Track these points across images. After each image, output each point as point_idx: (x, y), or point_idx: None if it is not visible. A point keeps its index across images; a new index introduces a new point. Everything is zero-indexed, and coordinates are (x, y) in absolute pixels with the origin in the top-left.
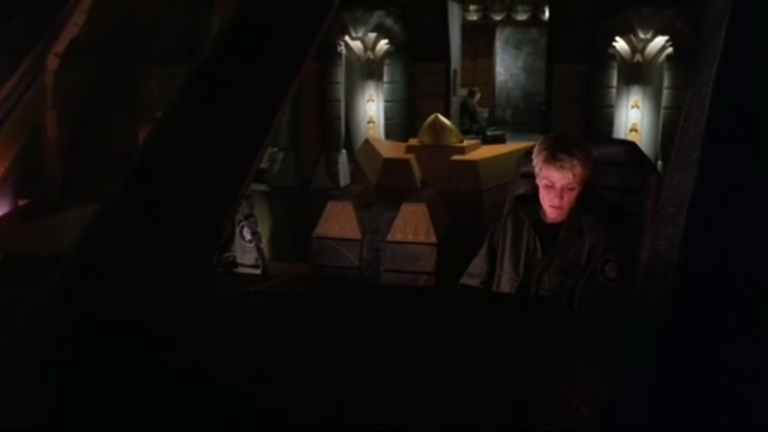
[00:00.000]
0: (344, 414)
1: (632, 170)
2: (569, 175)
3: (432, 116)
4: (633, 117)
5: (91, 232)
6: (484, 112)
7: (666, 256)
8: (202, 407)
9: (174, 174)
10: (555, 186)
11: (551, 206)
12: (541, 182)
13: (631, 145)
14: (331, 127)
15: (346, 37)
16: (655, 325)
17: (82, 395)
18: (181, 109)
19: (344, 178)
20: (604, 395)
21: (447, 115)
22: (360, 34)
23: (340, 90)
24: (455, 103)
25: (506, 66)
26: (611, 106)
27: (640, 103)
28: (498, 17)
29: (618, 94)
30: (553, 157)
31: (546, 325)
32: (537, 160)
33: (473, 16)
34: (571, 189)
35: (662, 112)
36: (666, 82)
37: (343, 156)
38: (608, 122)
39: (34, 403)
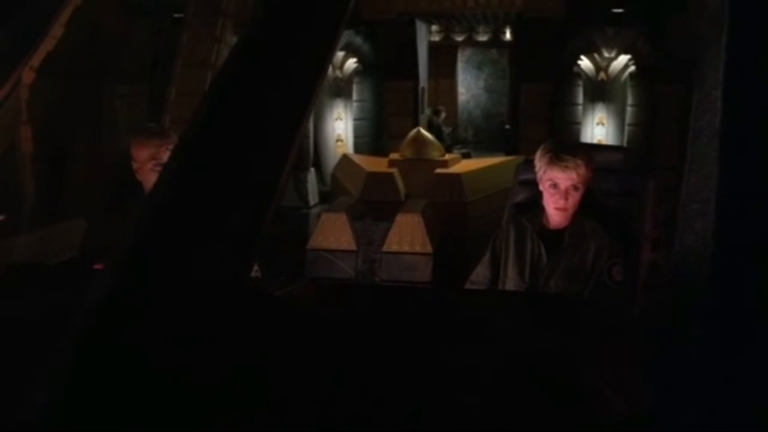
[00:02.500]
0: (381, 409)
1: (631, 175)
2: (574, 174)
3: (414, 130)
4: (598, 133)
5: (136, 237)
6: (448, 132)
7: (698, 249)
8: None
9: (211, 178)
10: (560, 187)
11: (556, 208)
12: (545, 185)
13: (628, 151)
14: (299, 146)
15: None
16: (699, 317)
17: (139, 392)
18: (209, 114)
19: (313, 197)
20: (639, 390)
21: None
22: None
23: None
24: (423, 121)
25: (468, 86)
26: (577, 123)
27: (605, 120)
28: (459, 38)
29: (583, 111)
30: (557, 158)
31: (567, 321)
32: (541, 163)
33: (435, 37)
34: (576, 189)
35: (626, 128)
36: (630, 100)
37: (311, 174)
38: (574, 139)
39: (98, 402)
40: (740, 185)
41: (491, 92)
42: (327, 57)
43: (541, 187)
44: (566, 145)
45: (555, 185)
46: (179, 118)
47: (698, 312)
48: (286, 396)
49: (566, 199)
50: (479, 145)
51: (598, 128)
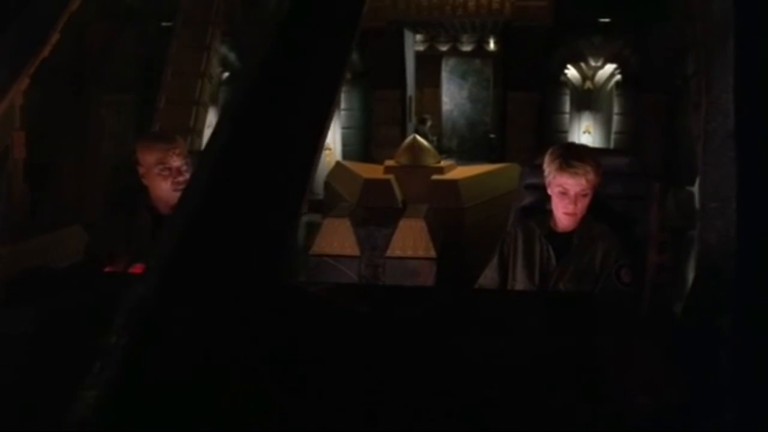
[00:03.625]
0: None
1: (636, 179)
2: (583, 181)
3: (410, 137)
4: (585, 142)
5: (175, 238)
6: (434, 141)
7: (721, 247)
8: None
9: (243, 182)
10: (569, 193)
11: (565, 213)
12: (554, 191)
13: (633, 156)
14: None
15: None
16: (727, 314)
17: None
18: (236, 122)
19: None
20: (663, 387)
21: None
22: None
23: None
24: (410, 129)
25: (451, 96)
26: (564, 132)
27: (591, 129)
28: (444, 48)
29: (570, 119)
30: (566, 164)
31: (587, 319)
32: (549, 169)
33: (420, 47)
34: (585, 195)
35: (613, 137)
36: (616, 108)
37: None
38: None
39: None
40: (758, 183)
41: (475, 102)
42: (344, 63)
43: (549, 192)
44: (574, 150)
45: (564, 191)
46: (169, 127)
47: (726, 309)
48: (321, 392)
49: (575, 204)
50: (463, 154)
51: (584, 137)
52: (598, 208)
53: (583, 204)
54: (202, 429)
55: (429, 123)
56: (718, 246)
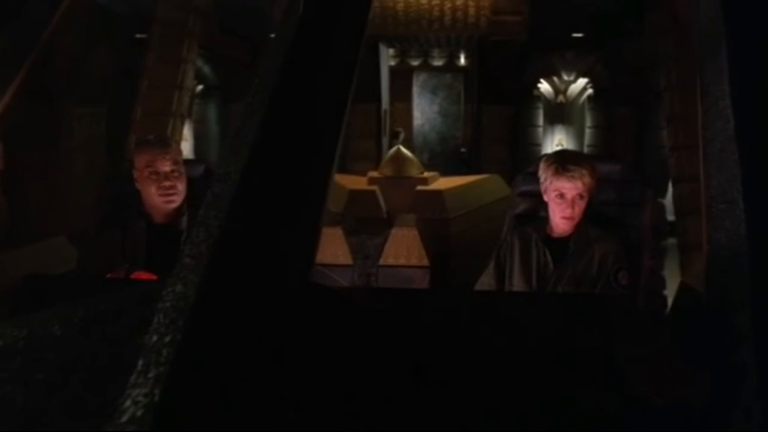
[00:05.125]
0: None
1: (630, 186)
2: (579, 184)
3: (394, 148)
4: None
5: (212, 237)
6: None
7: (732, 246)
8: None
9: (270, 188)
10: (566, 196)
11: (563, 218)
12: (551, 195)
13: (626, 163)
14: None
15: None
16: (746, 311)
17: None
18: (261, 132)
19: None
20: (688, 388)
21: (378, 155)
22: None
23: None
24: (385, 143)
25: (422, 110)
26: (537, 145)
27: (564, 141)
28: (415, 62)
29: (543, 132)
30: (563, 168)
31: (598, 321)
32: (546, 175)
33: (391, 62)
34: (582, 198)
35: (585, 149)
36: (588, 122)
37: None
38: (535, 160)
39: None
40: (762, 184)
41: (446, 116)
42: (354, 72)
43: (546, 198)
44: (569, 155)
45: (562, 195)
46: None
47: (744, 307)
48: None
49: (573, 208)
50: (435, 167)
51: (557, 149)
52: (593, 213)
53: (580, 207)
54: (248, 427)
55: (402, 137)
56: (728, 245)
